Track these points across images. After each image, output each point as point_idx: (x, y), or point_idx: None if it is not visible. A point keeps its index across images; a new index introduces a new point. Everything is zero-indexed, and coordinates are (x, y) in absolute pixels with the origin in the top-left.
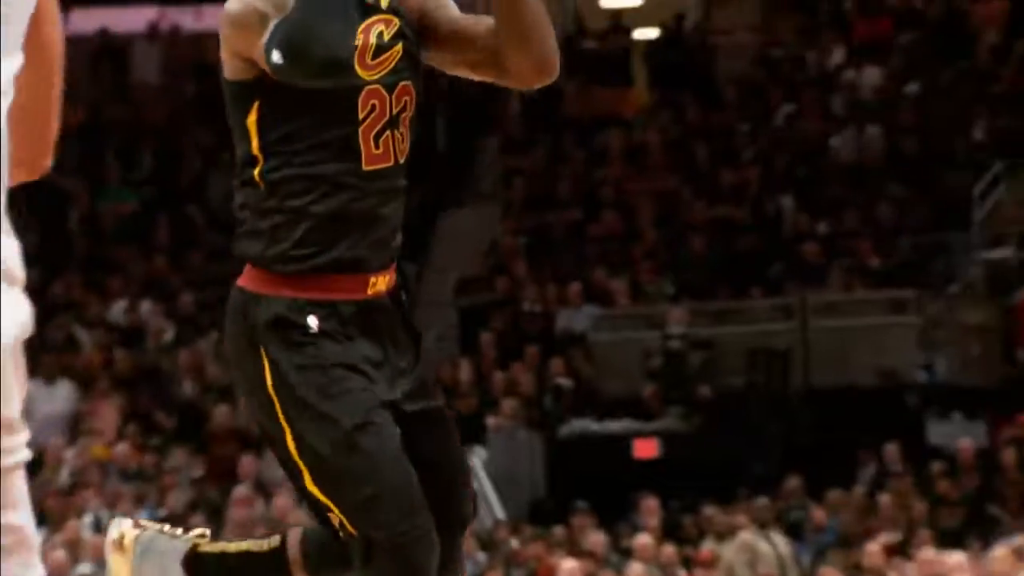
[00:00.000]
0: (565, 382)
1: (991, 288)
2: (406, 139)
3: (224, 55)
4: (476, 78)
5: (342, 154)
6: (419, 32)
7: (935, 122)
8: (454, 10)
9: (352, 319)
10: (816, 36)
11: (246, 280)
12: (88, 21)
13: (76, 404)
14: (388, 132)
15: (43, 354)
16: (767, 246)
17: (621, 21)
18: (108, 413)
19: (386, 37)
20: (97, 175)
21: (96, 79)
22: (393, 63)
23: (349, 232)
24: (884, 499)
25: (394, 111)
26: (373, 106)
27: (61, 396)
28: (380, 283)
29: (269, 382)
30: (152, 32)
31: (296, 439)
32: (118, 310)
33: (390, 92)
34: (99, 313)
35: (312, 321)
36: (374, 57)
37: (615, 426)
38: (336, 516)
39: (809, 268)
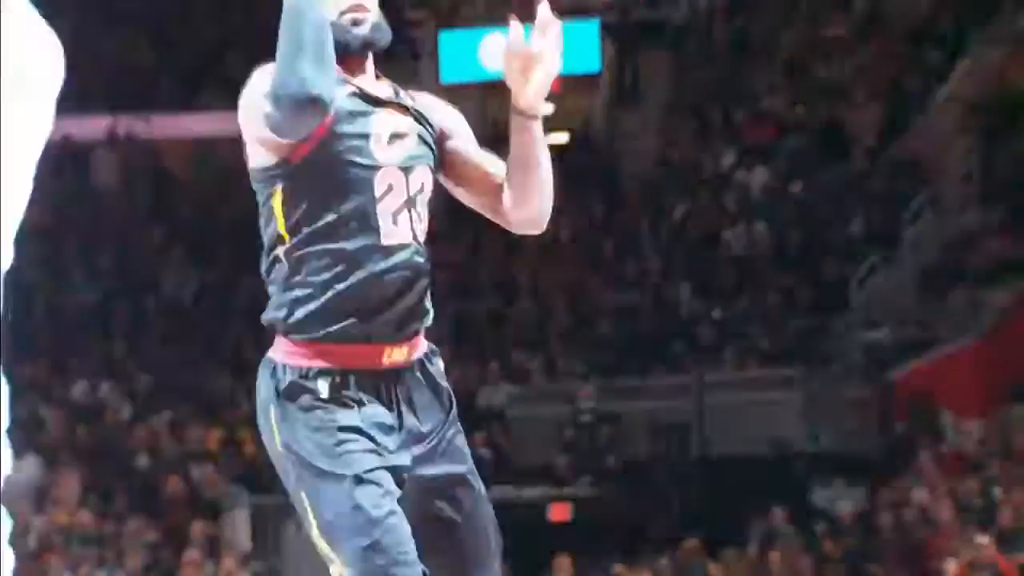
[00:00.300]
0: (486, 453)
1: (868, 366)
2: (424, 219)
3: (248, 147)
4: (470, 206)
5: (361, 231)
6: (436, 147)
7: (817, 217)
8: (472, 144)
9: (364, 386)
10: (710, 141)
11: (271, 349)
12: (53, 129)
13: (41, 476)
14: (406, 211)
15: (12, 431)
16: (667, 329)
17: None
18: (70, 484)
19: (403, 127)
20: (61, 270)
21: (60, 182)
22: (411, 149)
23: (365, 305)
24: (774, 557)
25: (411, 192)
26: (390, 186)
27: (28, 468)
28: (396, 354)
29: (279, 441)
30: (111, 139)
31: (305, 495)
32: (80, 390)
33: (407, 174)
34: (62, 393)
35: (323, 387)
36: (390, 142)
37: (532, 492)
38: (337, 567)
39: (705, 349)
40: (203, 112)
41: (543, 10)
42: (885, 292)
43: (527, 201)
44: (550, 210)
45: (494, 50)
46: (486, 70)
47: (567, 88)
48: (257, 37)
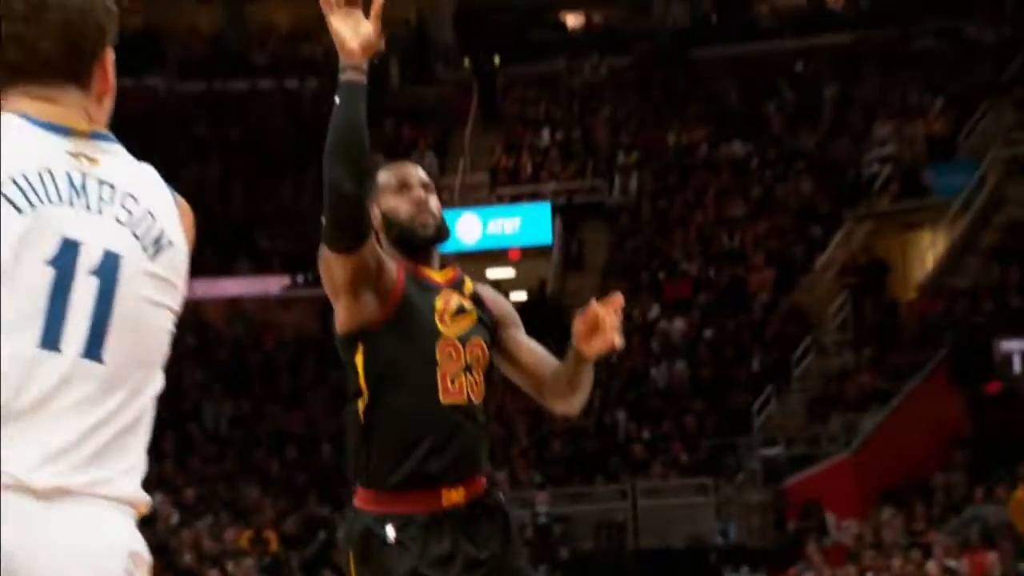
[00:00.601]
0: None
1: (767, 477)
2: (480, 383)
3: (336, 310)
4: (517, 383)
5: (423, 390)
6: (492, 330)
7: (724, 357)
8: (522, 333)
9: (425, 526)
10: (639, 297)
11: (355, 496)
12: None
13: None
14: (463, 376)
15: None
16: (607, 447)
17: (500, 287)
18: None
19: (466, 306)
20: None
21: None
22: (469, 326)
23: (424, 455)
24: None
25: (468, 361)
26: (450, 353)
27: None
28: (455, 495)
29: None
30: None
31: None
32: None
33: (464, 345)
34: None
35: (390, 532)
36: (451, 318)
37: None
38: None
39: (637, 462)
40: (236, 276)
41: (616, 299)
42: (779, 417)
43: (570, 401)
44: (585, 402)
45: (466, 228)
46: (460, 242)
47: (526, 257)
48: (281, 218)
